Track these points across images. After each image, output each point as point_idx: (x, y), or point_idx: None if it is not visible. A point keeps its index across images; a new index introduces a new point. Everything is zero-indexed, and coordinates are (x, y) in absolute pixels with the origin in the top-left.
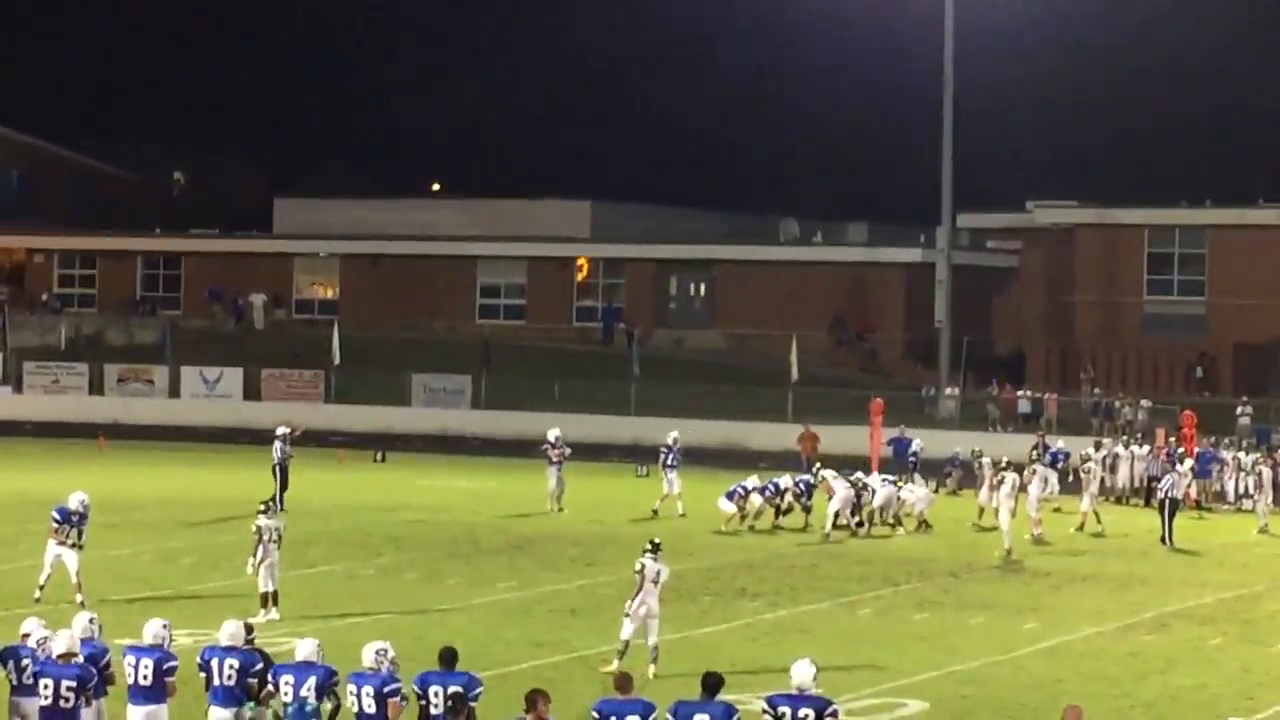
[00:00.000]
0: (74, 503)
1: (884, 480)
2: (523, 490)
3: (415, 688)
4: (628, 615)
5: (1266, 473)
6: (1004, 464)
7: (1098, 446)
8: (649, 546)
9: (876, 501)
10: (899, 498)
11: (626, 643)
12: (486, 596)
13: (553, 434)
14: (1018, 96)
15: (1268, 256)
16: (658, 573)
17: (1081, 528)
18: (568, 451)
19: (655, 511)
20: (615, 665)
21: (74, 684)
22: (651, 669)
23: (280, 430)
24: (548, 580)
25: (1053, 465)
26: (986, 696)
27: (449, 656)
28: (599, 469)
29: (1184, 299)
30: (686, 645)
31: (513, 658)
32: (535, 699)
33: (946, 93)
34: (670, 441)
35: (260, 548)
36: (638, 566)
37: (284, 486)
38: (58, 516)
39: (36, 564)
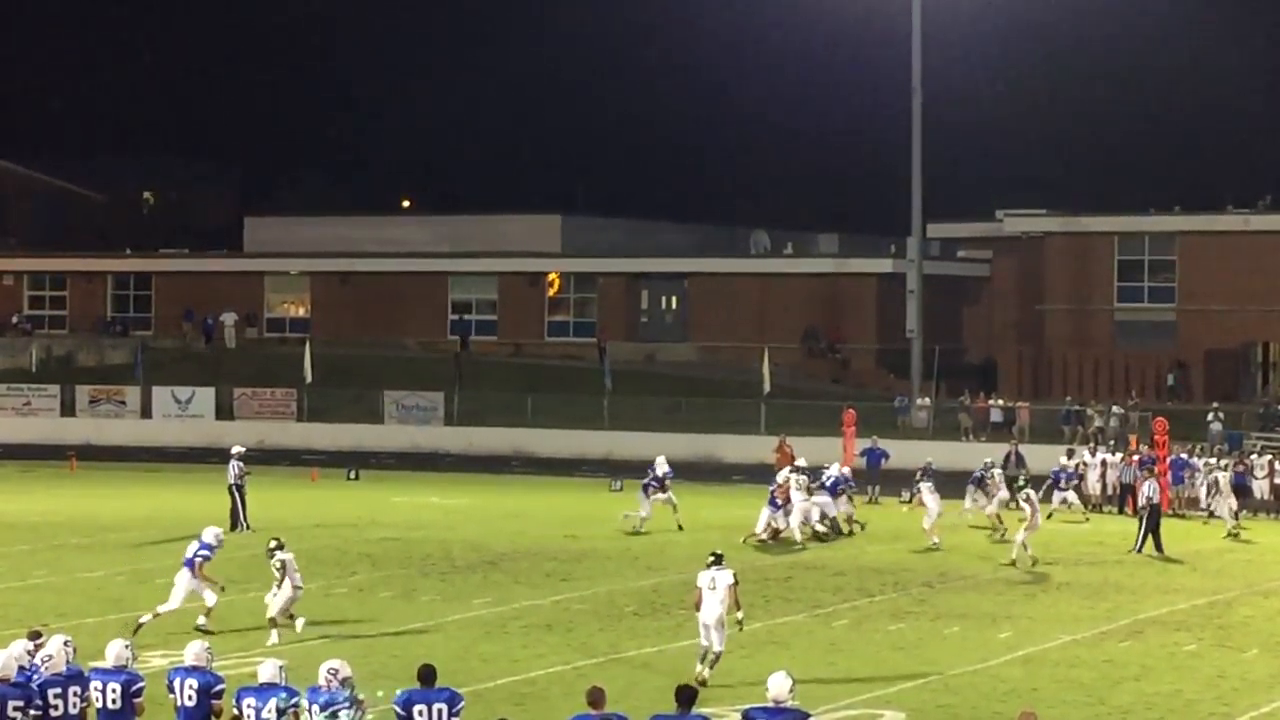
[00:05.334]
0: (209, 536)
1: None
2: (497, 506)
3: (397, 707)
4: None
5: (1224, 478)
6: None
7: (1070, 454)
8: (711, 559)
9: (794, 520)
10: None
11: (705, 648)
12: (461, 613)
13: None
14: (986, 107)
15: (1237, 262)
16: (712, 579)
17: (995, 531)
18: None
19: (680, 526)
20: (699, 669)
21: (21, 704)
22: (706, 672)
23: (235, 449)
24: (522, 596)
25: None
26: (963, 706)
27: (428, 674)
28: (572, 483)
29: (1154, 306)
30: (663, 659)
31: (488, 674)
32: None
33: (915, 103)
34: (660, 472)
35: (284, 579)
36: (698, 580)
37: (243, 506)
38: (206, 551)
39: (13, 585)
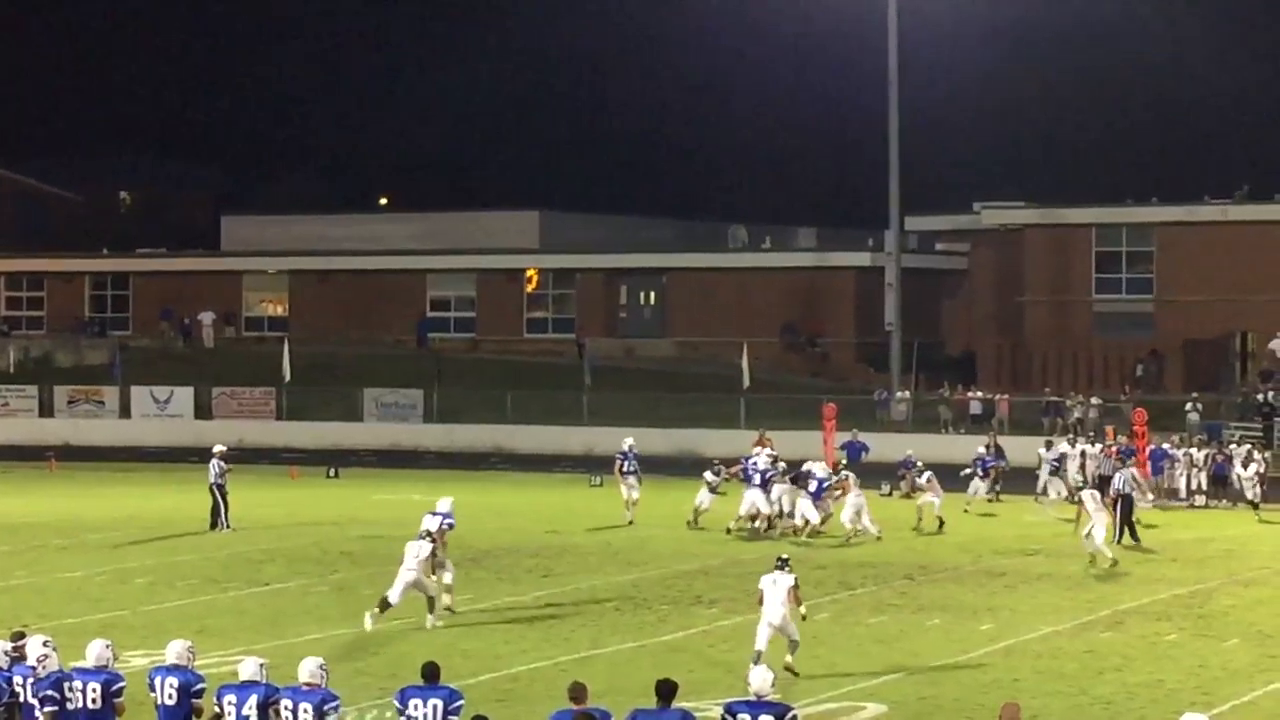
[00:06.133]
0: (445, 505)
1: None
2: (477, 503)
3: (395, 703)
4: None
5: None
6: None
7: (1049, 446)
8: (777, 563)
9: (847, 514)
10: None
11: (759, 652)
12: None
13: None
14: (963, 99)
15: (1215, 253)
16: (774, 581)
17: (940, 527)
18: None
19: (631, 521)
20: (790, 659)
21: None
22: (788, 657)
23: (216, 449)
24: (505, 592)
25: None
26: (945, 698)
27: (431, 671)
28: (552, 479)
29: (1132, 297)
30: (644, 654)
31: (470, 670)
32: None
33: (892, 96)
34: (625, 448)
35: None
36: (760, 583)
37: (225, 506)
38: (450, 520)
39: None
